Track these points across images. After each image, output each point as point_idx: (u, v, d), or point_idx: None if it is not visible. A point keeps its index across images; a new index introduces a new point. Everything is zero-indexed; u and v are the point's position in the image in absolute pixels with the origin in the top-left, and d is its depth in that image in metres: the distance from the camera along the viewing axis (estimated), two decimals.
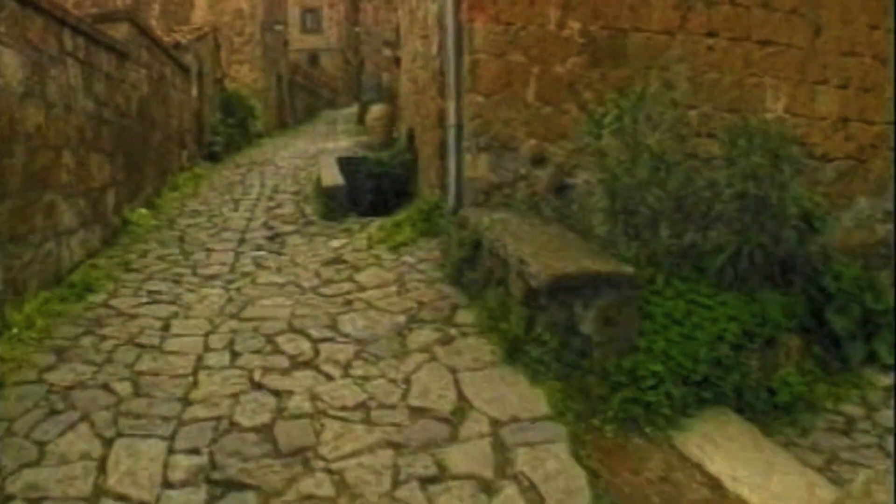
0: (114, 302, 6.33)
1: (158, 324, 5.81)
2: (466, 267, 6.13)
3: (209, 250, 8.15)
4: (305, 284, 6.68)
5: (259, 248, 8.25)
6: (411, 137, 12.56)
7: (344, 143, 19.38)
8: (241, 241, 8.54)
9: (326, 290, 6.47)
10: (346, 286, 6.56)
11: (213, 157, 16.69)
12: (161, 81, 11.65)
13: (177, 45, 14.73)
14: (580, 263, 4.72)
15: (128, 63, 9.19)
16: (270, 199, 11.48)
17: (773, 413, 5.44)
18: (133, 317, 5.97)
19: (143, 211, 9.66)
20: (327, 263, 7.36)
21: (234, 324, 5.76)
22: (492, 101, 6.59)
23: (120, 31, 9.14)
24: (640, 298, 4.99)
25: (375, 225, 8.93)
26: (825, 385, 5.81)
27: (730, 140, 5.36)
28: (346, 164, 13.33)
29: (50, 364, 5.02)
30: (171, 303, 6.33)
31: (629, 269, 4.80)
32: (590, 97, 6.85)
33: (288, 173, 14.31)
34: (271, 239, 8.67)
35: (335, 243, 8.21)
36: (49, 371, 4.92)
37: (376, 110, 17.82)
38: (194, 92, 15.53)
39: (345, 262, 7.36)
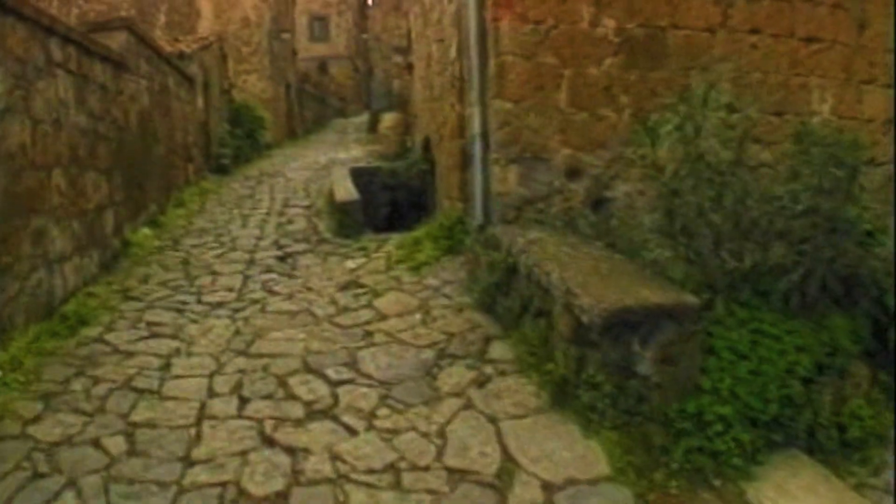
0: (110, 336, 5.75)
1: (158, 362, 5.21)
2: (499, 293, 5.52)
3: (215, 273, 7.56)
4: (320, 313, 6.08)
5: (269, 270, 7.66)
6: (427, 147, 11.97)
7: (355, 153, 18.83)
8: (250, 263, 7.95)
9: (343, 320, 5.87)
10: (365, 314, 5.96)
11: (222, 170, 16.18)
12: (164, 93, 11.10)
13: (181, 55, 14.20)
14: (638, 295, 4.09)
15: (126, 74, 8.63)
16: (281, 214, 10.91)
17: (842, 451, 4.85)
18: (130, 354, 5.38)
19: (146, 231, 9.10)
20: (343, 287, 6.76)
21: (241, 362, 5.16)
22: (521, 108, 5.98)
23: (117, 41, 8.59)
24: (702, 331, 4.37)
25: (393, 242, 8.33)
26: (890, 415, 5.20)
27: (800, 150, 4.72)
28: (359, 175, 12.77)
29: (36, 414, 4.44)
30: (173, 336, 5.74)
31: (693, 300, 4.18)
32: (627, 102, 6.26)
33: (299, 186, 13.75)
34: (282, 259, 8.08)
35: (351, 264, 7.61)
36: (34, 423, 4.33)
37: (389, 119, 17.25)
38: (200, 103, 14.99)
39: (362, 285, 6.76)
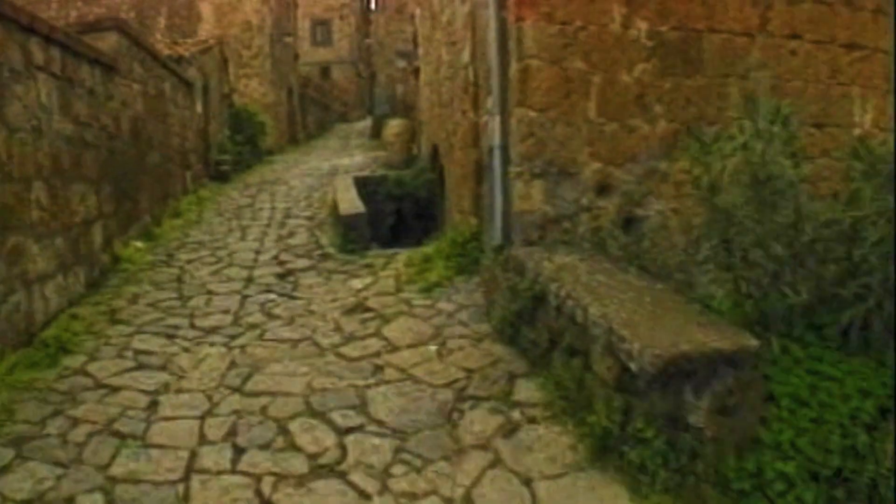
0: (93, 367, 5.20)
1: (144, 400, 4.66)
2: (522, 322, 4.98)
3: (210, 293, 7.02)
4: (324, 342, 5.53)
5: (268, 289, 7.11)
6: (435, 155, 11.44)
7: (359, 159, 18.30)
8: (248, 281, 7.40)
9: (350, 351, 5.32)
10: (374, 344, 5.41)
11: (221, 177, 15.66)
12: (159, 97, 10.57)
13: (179, 59, 13.67)
14: (693, 337, 3.55)
15: (116, 78, 8.10)
16: (282, 225, 10.37)
17: None
18: (114, 389, 4.83)
19: (139, 244, 8.57)
20: (349, 311, 6.21)
21: (236, 400, 4.60)
22: (546, 117, 5.44)
23: (108, 42, 8.06)
24: (761, 376, 3.84)
25: (402, 259, 7.79)
26: None
27: (863, 169, 4.17)
28: (363, 184, 12.24)
29: (5, 463, 3.89)
30: (162, 368, 5.19)
31: (753, 343, 3.63)
32: (660, 111, 5.73)
33: (300, 194, 13.23)
34: (282, 277, 7.54)
35: (357, 283, 7.06)
36: (2, 474, 3.79)
37: (395, 125, 16.71)
38: (199, 108, 14.46)
39: (370, 309, 6.21)
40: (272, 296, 6.90)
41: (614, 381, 3.69)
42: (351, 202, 9.64)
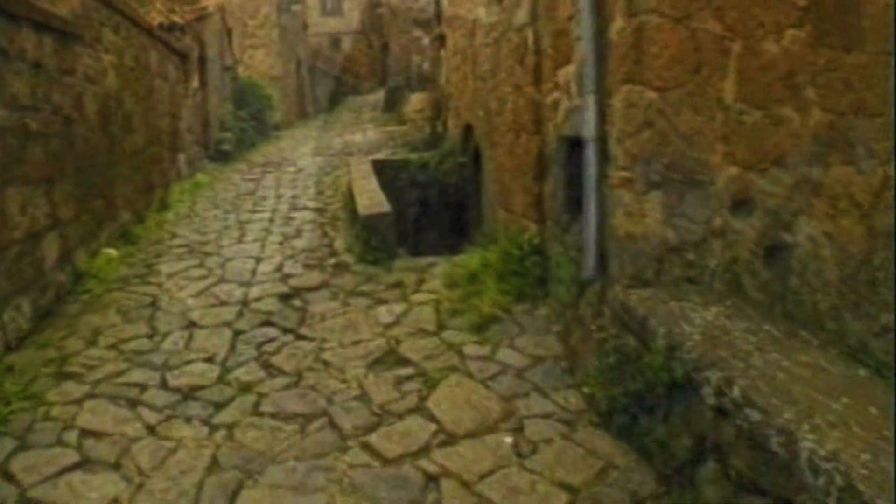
0: (16, 464, 3.59)
1: None
2: (643, 411, 3.33)
3: (192, 326, 5.37)
4: (346, 424, 3.85)
5: (268, 321, 5.46)
6: (467, 136, 9.73)
7: (372, 135, 16.61)
8: (243, 306, 5.75)
9: (385, 444, 3.64)
10: (419, 429, 3.75)
11: (223, 157, 14.07)
12: (142, 71, 8.86)
13: (171, 27, 11.96)
14: None
15: (77, 47, 6.40)
16: (287, 220, 8.74)
17: None
18: None
19: (111, 252, 6.92)
20: (377, 363, 4.57)
21: None
22: (668, 101, 3.73)
23: (68, 3, 6.36)
24: None
25: (439, 273, 6.15)
26: None
27: None
28: (382, 168, 10.53)
29: None
30: (114, 467, 3.57)
31: None
32: (814, 97, 4.00)
33: (309, 179, 11.62)
34: (287, 300, 5.88)
35: (385, 315, 5.40)
36: None
37: (416, 100, 14.98)
38: (195, 82, 12.76)
39: (406, 361, 4.56)
40: (272, 331, 5.25)
41: None
42: (372, 197, 7.92)
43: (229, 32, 17.54)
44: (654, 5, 3.66)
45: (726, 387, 2.72)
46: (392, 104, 20.89)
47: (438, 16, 14.27)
